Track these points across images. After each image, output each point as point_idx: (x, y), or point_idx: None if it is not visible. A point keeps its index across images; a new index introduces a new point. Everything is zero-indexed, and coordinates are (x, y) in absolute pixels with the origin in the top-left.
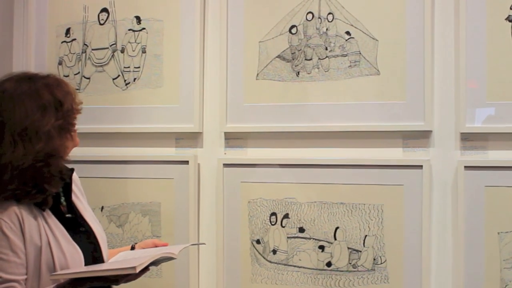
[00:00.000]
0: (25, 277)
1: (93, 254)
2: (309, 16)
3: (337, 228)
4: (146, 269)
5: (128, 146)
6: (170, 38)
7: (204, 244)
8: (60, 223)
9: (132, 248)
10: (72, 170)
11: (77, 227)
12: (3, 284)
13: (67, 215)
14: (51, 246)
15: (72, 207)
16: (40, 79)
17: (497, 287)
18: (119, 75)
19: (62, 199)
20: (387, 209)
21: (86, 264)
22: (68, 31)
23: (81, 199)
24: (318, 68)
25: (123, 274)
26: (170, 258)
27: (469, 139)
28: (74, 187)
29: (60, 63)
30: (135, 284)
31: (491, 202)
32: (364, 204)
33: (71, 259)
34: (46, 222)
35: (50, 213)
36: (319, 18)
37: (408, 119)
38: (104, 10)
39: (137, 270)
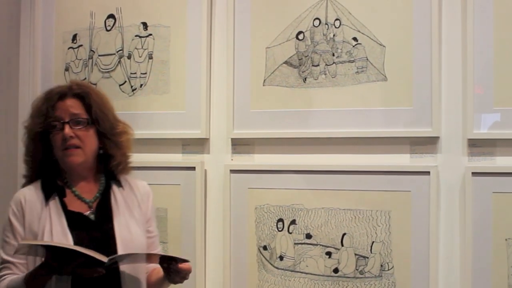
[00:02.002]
0: (23, 261)
1: (103, 253)
2: (316, 22)
3: (344, 234)
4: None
5: (134, 152)
6: (176, 44)
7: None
8: (66, 217)
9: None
10: (110, 181)
11: (86, 226)
12: (2, 265)
13: (88, 214)
14: (45, 236)
15: (105, 209)
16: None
17: None
18: (125, 81)
19: (91, 200)
20: (394, 215)
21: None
22: (74, 37)
23: (121, 205)
24: (325, 74)
25: (92, 261)
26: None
27: (477, 145)
28: (122, 193)
29: (66, 69)
30: None
31: (499, 208)
32: (371, 210)
33: None
34: (49, 213)
35: (58, 205)
36: (326, 24)
37: (415, 125)
38: (111, 16)
39: (105, 262)
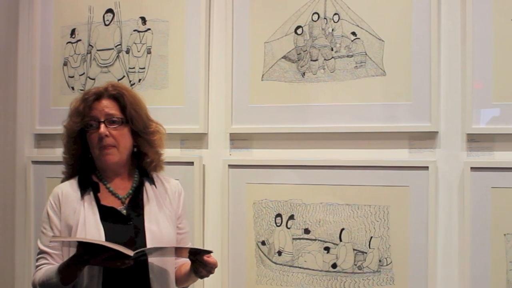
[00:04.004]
0: (58, 252)
1: (131, 248)
2: (315, 17)
3: (342, 229)
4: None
5: None
6: (175, 39)
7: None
8: (99, 211)
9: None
10: (143, 178)
11: (118, 220)
12: (39, 255)
13: (121, 209)
14: (78, 228)
15: (137, 205)
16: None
17: None
18: (124, 76)
19: (124, 196)
20: (393, 210)
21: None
22: (73, 31)
23: (152, 202)
24: (323, 69)
25: (118, 254)
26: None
27: (475, 140)
28: (153, 190)
29: (65, 64)
30: None
31: (498, 203)
32: (370, 206)
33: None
34: (83, 207)
35: (92, 200)
36: (324, 18)
37: (414, 120)
38: (109, 10)
39: (131, 256)
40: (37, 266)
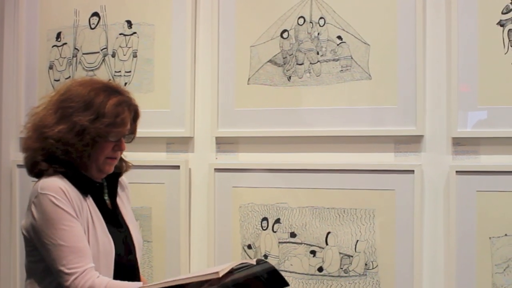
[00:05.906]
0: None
1: (127, 256)
2: (301, 21)
3: (328, 233)
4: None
5: None
6: (161, 43)
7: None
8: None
9: None
10: (118, 174)
11: (117, 225)
12: (72, 253)
13: (111, 208)
14: (89, 231)
15: (115, 207)
16: (114, 90)
17: None
18: (110, 80)
19: (106, 196)
20: (378, 214)
21: (116, 261)
22: (59, 35)
23: (125, 203)
24: (309, 72)
25: (205, 280)
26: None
27: (461, 144)
28: (120, 190)
29: (50, 67)
30: None
31: (483, 207)
32: (356, 209)
33: (103, 248)
34: (88, 208)
35: (92, 202)
36: (310, 22)
37: (399, 124)
38: (95, 14)
39: (220, 275)
40: (74, 268)
